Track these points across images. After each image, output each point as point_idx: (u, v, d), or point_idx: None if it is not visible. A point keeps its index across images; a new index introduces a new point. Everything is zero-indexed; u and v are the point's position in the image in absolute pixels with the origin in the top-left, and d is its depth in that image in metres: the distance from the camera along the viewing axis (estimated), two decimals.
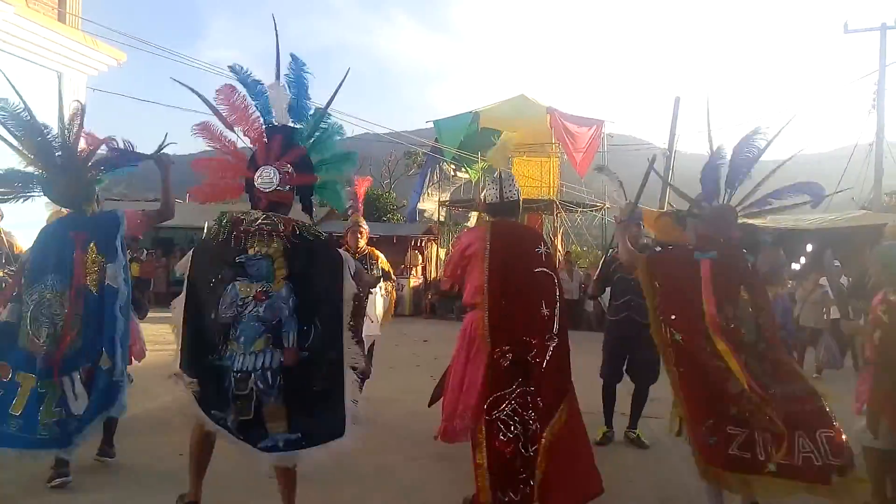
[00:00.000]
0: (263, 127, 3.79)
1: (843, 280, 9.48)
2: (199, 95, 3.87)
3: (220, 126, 3.83)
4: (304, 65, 3.81)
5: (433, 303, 19.56)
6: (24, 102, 4.32)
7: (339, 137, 3.93)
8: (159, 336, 8.09)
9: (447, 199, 24.61)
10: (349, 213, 6.63)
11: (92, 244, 4.20)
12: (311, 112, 3.85)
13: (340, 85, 3.95)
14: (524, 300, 3.76)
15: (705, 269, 3.58)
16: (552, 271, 3.98)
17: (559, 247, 21.58)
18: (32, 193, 4.46)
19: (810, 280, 11.44)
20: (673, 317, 3.64)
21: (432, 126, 22.87)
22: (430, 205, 25.70)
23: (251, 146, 3.82)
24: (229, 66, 3.82)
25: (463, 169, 23.80)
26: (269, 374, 3.29)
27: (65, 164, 4.38)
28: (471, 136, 21.25)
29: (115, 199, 26.84)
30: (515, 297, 3.76)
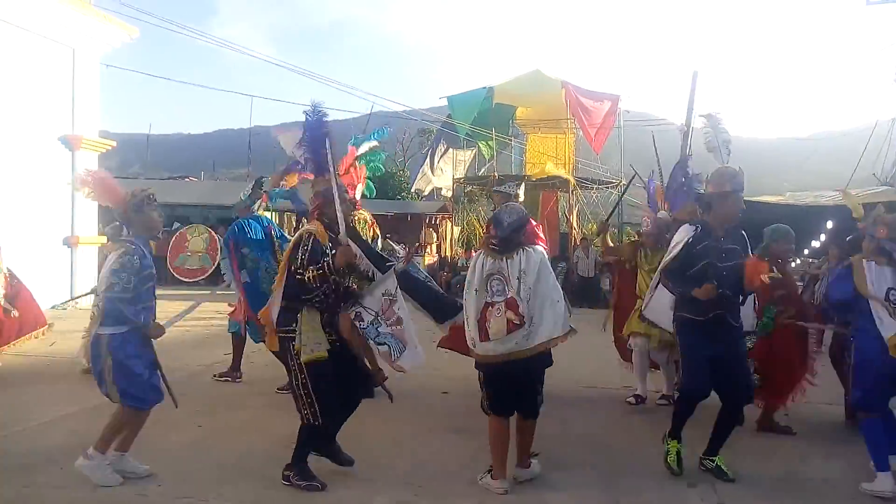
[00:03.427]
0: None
1: None
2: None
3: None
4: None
5: (448, 280, 19.54)
6: None
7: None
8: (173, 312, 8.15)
9: (461, 176, 24.45)
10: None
11: None
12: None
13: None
14: None
15: None
16: None
17: (574, 224, 21.41)
18: None
19: (831, 254, 11.27)
20: None
21: (446, 103, 22.65)
22: (444, 182, 25.55)
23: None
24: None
25: (475, 145, 23.57)
26: None
27: None
28: (485, 112, 21.05)
29: (131, 178, 27.04)
30: None
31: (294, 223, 18.55)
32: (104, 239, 14.21)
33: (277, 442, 4.80)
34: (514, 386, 4.03)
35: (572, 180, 20.48)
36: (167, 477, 4.09)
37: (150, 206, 4.14)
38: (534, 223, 6.29)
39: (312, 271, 3.85)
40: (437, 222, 22.47)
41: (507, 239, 3.99)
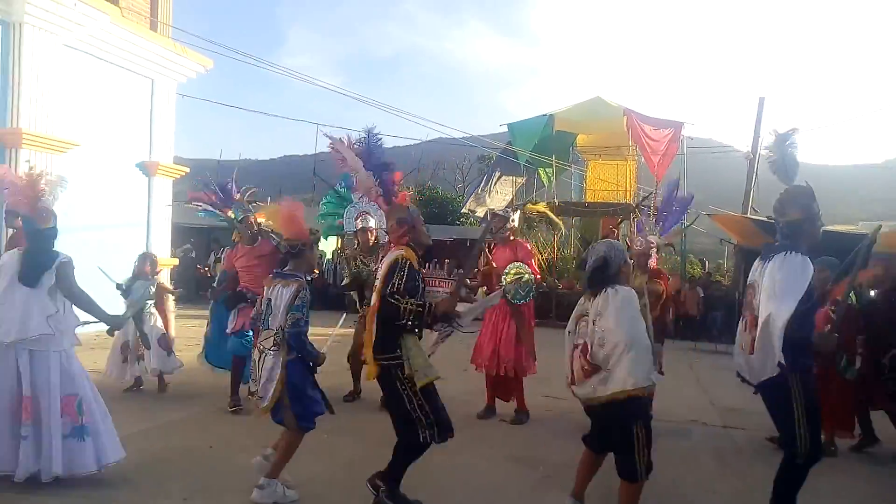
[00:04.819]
0: None
1: None
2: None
3: None
4: None
5: None
6: None
7: None
8: None
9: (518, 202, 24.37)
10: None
11: None
12: None
13: None
14: None
15: None
16: None
17: None
18: None
19: None
20: None
21: (506, 130, 22.73)
22: (497, 204, 25.50)
23: None
24: None
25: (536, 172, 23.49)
26: None
27: None
28: (545, 139, 21.04)
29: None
30: None
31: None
32: (176, 261, 14.77)
33: (340, 467, 4.86)
34: (600, 431, 3.90)
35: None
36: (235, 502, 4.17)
37: (315, 246, 4.62)
38: (528, 247, 6.64)
39: (411, 304, 3.71)
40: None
41: (590, 279, 3.86)
